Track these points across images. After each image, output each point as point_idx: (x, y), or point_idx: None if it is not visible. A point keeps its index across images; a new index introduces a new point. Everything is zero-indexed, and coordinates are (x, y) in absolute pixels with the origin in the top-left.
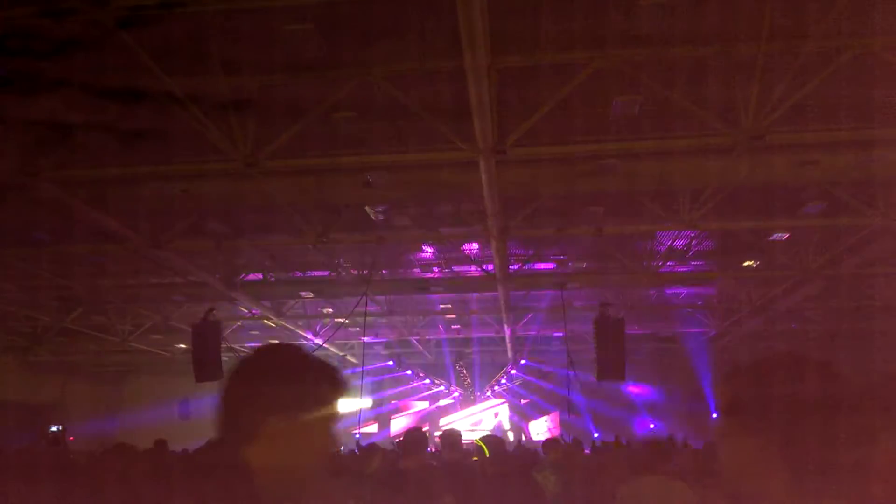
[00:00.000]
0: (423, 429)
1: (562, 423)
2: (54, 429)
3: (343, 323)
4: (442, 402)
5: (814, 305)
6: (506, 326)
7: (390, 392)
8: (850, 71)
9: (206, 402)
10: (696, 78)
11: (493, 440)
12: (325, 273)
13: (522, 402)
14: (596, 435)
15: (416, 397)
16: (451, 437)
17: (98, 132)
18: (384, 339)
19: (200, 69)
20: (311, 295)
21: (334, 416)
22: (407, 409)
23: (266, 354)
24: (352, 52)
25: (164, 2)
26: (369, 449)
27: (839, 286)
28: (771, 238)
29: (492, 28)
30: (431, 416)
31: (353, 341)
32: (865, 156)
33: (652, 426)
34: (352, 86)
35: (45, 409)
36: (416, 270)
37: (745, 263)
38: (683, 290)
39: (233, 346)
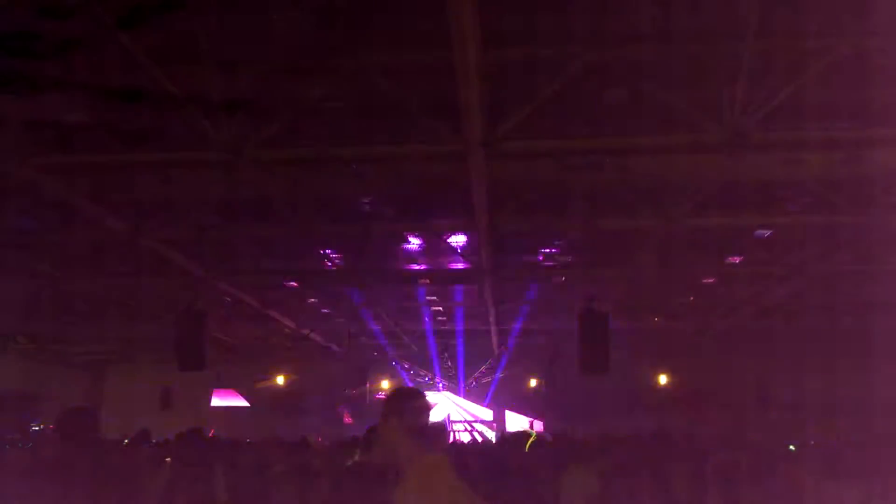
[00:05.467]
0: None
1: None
2: (36, 427)
3: (328, 313)
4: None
5: (797, 302)
6: (492, 319)
7: None
8: (838, 70)
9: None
10: (684, 75)
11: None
12: (311, 263)
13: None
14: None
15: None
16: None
17: (84, 122)
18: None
19: (189, 60)
20: (296, 285)
21: None
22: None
23: None
24: (341, 44)
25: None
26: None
27: (822, 283)
28: (755, 234)
29: (482, 21)
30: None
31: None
32: (852, 155)
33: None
34: (341, 77)
35: (25, 401)
36: (403, 262)
37: (729, 260)
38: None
39: (217, 334)
